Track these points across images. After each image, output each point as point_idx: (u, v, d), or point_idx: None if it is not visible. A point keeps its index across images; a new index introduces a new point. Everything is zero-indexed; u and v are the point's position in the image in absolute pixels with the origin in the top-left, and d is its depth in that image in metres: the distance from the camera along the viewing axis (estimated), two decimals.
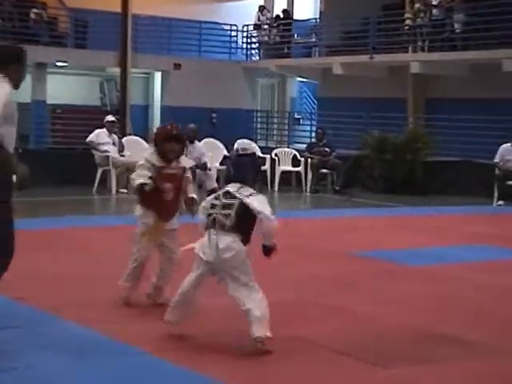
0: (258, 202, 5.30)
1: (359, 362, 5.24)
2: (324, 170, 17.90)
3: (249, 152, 6.12)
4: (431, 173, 17.32)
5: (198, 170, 13.39)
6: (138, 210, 6.44)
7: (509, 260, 9.25)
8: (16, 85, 5.27)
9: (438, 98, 21.04)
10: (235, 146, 5.49)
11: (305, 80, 26.42)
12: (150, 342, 5.43)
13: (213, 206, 5.43)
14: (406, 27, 21.55)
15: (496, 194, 15.42)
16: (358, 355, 5.35)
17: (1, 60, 5.29)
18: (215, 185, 13.81)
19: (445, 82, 20.74)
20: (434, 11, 20.72)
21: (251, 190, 5.38)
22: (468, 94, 20.01)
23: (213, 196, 5.54)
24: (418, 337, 5.88)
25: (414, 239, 10.55)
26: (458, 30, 20.35)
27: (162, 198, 6.23)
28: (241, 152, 6.28)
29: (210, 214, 5.38)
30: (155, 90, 24.44)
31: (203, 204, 5.54)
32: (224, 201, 5.37)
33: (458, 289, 7.58)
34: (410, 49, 21.16)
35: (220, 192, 5.48)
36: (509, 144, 15.51)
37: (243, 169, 5.46)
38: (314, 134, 20.18)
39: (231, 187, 5.41)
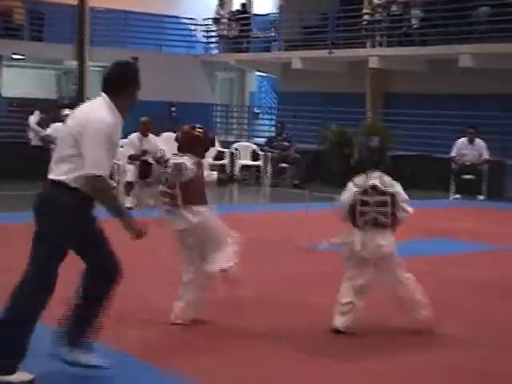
0: (401, 189, 5.78)
1: (328, 357, 5.25)
2: (283, 164, 17.93)
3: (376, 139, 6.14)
4: (389, 167, 17.41)
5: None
6: None
7: (467, 253, 9.36)
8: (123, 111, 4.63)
9: (396, 92, 21.19)
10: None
11: (264, 74, 26.42)
12: None
13: (364, 203, 5.62)
14: (365, 22, 21.67)
15: (452, 188, 15.59)
16: (326, 350, 5.37)
17: (115, 83, 4.63)
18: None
19: (403, 76, 20.90)
20: (393, 7, 20.86)
21: (387, 177, 5.74)
22: (425, 89, 20.19)
23: (357, 190, 5.68)
24: (384, 330, 5.91)
25: None
26: (415, 26, 20.52)
27: None
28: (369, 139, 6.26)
29: (363, 213, 5.60)
30: None
31: (346, 200, 5.72)
32: (376, 198, 5.66)
33: (419, 282, 7.63)
34: (368, 44, 21.28)
35: (365, 186, 5.66)
36: (465, 138, 15.69)
37: (377, 154, 5.74)
38: (273, 129, 20.21)
39: (375, 180, 5.67)
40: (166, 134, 17.43)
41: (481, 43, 18.23)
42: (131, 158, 13.41)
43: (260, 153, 18.35)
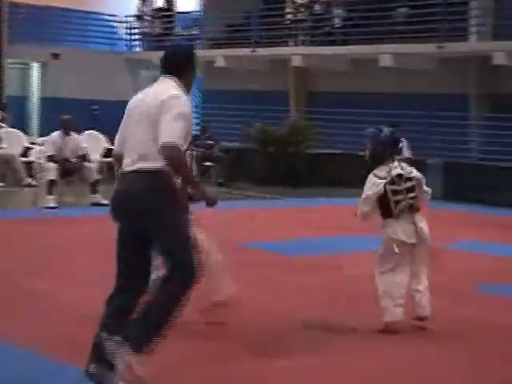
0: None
1: (256, 353, 5.27)
2: (207, 163, 17.90)
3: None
4: (313, 165, 17.61)
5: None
6: None
7: None
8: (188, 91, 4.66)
9: (319, 91, 21.39)
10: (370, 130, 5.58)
11: None
12: None
13: (396, 192, 5.80)
14: (288, 21, 21.81)
15: None
16: (252, 347, 5.39)
17: (177, 64, 4.64)
18: (97, 177, 13.60)
19: (325, 75, 21.11)
20: (315, 6, 21.05)
21: (403, 163, 6.03)
22: (348, 88, 20.43)
23: (386, 181, 5.84)
24: (300, 327, 5.96)
25: (297, 230, 10.70)
26: (337, 25, 20.76)
27: None
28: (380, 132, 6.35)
29: (398, 201, 5.78)
30: (33, 81, 23.76)
31: (376, 192, 5.86)
32: (405, 185, 5.90)
33: (344, 278, 7.72)
34: (291, 43, 21.42)
35: (391, 176, 5.84)
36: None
37: (391, 145, 5.94)
38: (197, 127, 20.12)
39: (397, 169, 5.88)
40: (88, 133, 17.24)
41: (400, 43, 18.57)
42: (51, 159, 13.19)
43: None
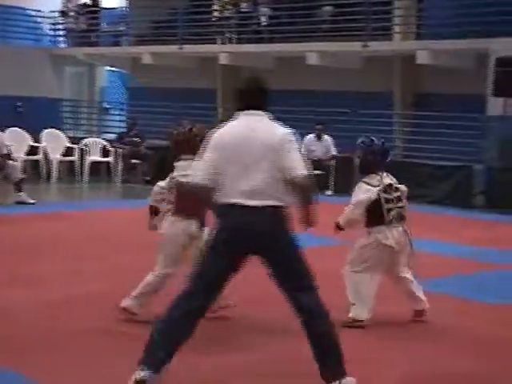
0: None
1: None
2: (134, 161, 17.77)
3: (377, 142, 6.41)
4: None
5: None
6: None
7: (318, 246, 9.59)
8: None
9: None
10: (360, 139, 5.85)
11: (114, 69, 26.05)
12: None
13: (388, 201, 6.07)
14: (214, 19, 21.81)
15: None
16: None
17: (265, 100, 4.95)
18: (21, 176, 13.37)
19: (253, 73, 21.15)
20: (242, 4, 21.11)
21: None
22: (275, 86, 20.38)
23: (379, 189, 6.07)
24: (248, 324, 5.99)
25: None
26: (264, 23, 20.87)
27: None
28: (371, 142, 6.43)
29: (390, 209, 6.03)
30: None
31: (370, 197, 6.06)
32: (394, 194, 6.18)
33: (255, 274, 7.77)
34: (218, 40, 21.43)
35: (383, 185, 6.08)
36: (313, 135, 16.07)
37: (381, 155, 6.05)
38: (124, 124, 19.98)
39: (387, 178, 6.14)
40: (11, 130, 16.92)
41: (326, 41, 18.78)
42: None
43: (110, 149, 18.09)
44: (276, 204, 4.65)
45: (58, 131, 18.65)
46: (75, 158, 18.07)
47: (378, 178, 6.17)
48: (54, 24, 24.90)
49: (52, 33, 24.98)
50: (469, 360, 5.34)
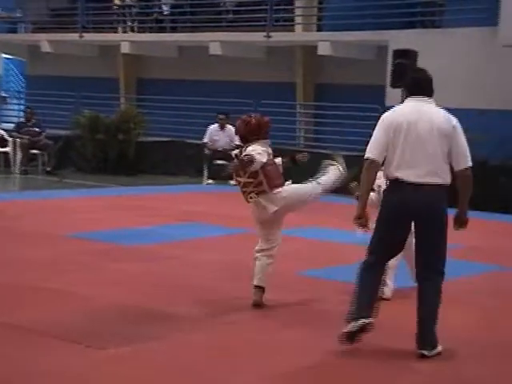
0: None
1: (74, 344, 5.17)
2: (34, 151, 17.35)
3: None
4: (144, 153, 17.49)
5: None
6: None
7: (219, 236, 9.63)
8: None
9: (149, 78, 21.27)
10: None
11: (11, 57, 25.35)
12: None
13: None
14: (116, 7, 21.51)
15: (205, 174, 15.94)
16: (73, 338, 5.29)
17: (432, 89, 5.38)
18: None
19: (155, 62, 21.00)
20: None
21: None
22: (178, 76, 20.43)
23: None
24: (137, 315, 5.94)
25: (129, 219, 10.61)
26: (166, 12, 20.71)
27: None
28: None
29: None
30: None
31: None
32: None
33: (175, 267, 7.75)
34: (120, 29, 21.16)
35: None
36: (216, 125, 16.07)
37: None
38: (22, 114, 19.46)
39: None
40: None
41: (229, 32, 18.79)
42: None
43: (8, 139, 17.60)
44: (444, 183, 5.18)
45: None
46: None
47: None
48: None
49: None
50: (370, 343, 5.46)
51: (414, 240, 5.41)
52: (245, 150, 6.34)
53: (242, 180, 6.29)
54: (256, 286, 6.26)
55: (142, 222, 10.32)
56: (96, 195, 13.37)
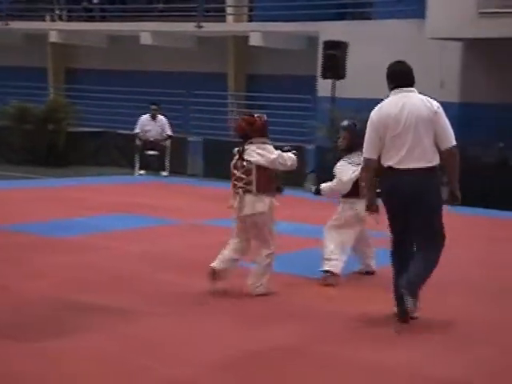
0: None
1: (2, 339, 5.08)
2: None
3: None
4: (74, 143, 17.25)
5: None
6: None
7: (150, 227, 9.57)
8: None
9: (79, 68, 20.98)
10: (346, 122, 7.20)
11: None
12: None
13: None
14: None
15: (137, 164, 15.81)
16: (1, 332, 5.20)
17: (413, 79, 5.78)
18: None
19: (85, 52, 20.73)
20: None
21: None
22: (108, 65, 20.22)
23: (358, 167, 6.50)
24: (61, 308, 5.86)
25: (58, 210, 10.46)
26: (95, 1, 20.46)
27: None
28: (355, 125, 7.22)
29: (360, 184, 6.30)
30: None
31: (354, 176, 6.86)
32: None
33: (105, 258, 7.68)
34: (47, 17, 20.81)
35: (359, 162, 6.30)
36: (148, 115, 15.95)
37: (362, 137, 6.03)
38: None
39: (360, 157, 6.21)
40: None
41: (160, 21, 18.67)
42: None
43: None
44: (429, 166, 5.61)
45: None
46: None
47: (358, 154, 6.64)
48: None
49: None
50: (295, 331, 5.51)
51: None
52: (247, 147, 6.56)
53: (237, 174, 6.56)
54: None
55: (71, 214, 10.18)
56: (24, 187, 13.14)
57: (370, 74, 15.03)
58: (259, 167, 6.47)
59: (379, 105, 5.78)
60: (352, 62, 14.40)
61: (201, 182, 15.01)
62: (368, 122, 5.77)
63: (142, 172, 15.64)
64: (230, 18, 19.06)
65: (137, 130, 15.88)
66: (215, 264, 6.43)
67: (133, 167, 15.80)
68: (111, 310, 5.88)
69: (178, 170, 15.80)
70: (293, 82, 17.57)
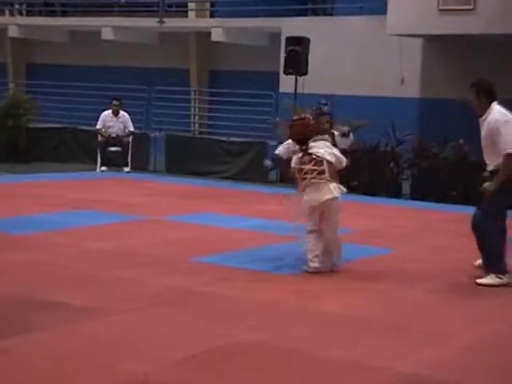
0: None
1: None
2: None
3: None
4: (34, 140, 17.07)
5: None
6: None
7: (113, 224, 9.52)
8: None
9: (40, 63, 20.78)
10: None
11: None
12: None
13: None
14: None
15: (99, 160, 15.71)
16: None
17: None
18: None
19: (46, 47, 20.54)
20: None
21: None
22: (69, 61, 20.06)
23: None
24: (21, 306, 5.81)
25: (19, 207, 10.36)
26: None
27: None
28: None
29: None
30: None
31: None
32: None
33: (66, 255, 7.63)
34: (7, 12, 20.59)
35: None
36: (110, 111, 15.86)
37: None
38: None
39: None
40: None
41: (122, 17, 18.57)
42: None
43: None
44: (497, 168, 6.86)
45: None
46: None
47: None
48: None
49: None
50: (258, 326, 5.53)
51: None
52: (312, 144, 7.12)
53: (307, 168, 7.04)
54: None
55: (32, 211, 10.09)
56: None
57: (329, 71, 15.16)
58: (327, 160, 7.06)
59: (503, 109, 6.85)
60: (314, 58, 14.46)
61: (161, 178, 14.97)
62: (507, 120, 6.77)
63: (103, 168, 15.54)
64: (192, 14, 19.01)
65: (98, 126, 15.77)
66: (316, 265, 7.06)
67: (95, 163, 15.69)
68: (73, 307, 5.84)
69: (141, 166, 15.74)
70: (255, 78, 17.59)
